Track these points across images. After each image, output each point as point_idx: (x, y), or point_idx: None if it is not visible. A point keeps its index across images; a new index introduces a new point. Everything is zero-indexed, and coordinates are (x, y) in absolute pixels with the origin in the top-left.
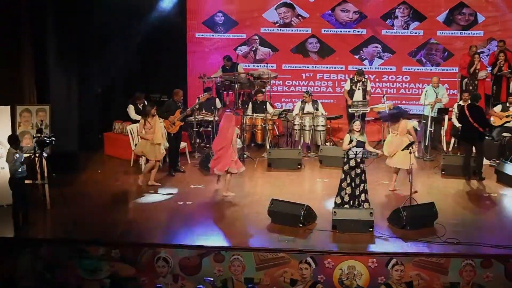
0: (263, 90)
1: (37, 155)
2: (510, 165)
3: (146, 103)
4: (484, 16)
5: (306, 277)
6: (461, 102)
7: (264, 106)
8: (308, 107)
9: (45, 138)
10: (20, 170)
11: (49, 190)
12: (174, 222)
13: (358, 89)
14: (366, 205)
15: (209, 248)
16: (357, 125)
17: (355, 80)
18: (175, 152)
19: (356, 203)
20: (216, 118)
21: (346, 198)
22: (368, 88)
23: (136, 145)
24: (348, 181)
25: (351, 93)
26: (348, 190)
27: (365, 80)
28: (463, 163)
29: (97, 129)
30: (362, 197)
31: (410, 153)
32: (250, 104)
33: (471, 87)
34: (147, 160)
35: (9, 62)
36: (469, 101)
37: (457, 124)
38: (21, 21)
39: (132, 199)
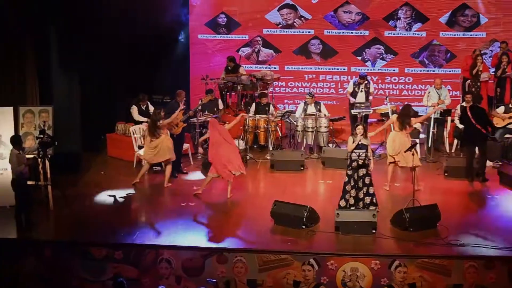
0: (267, 92)
1: (40, 156)
2: None
3: (149, 104)
4: (486, 17)
5: (309, 279)
6: (463, 104)
7: (267, 108)
8: (311, 109)
9: (48, 140)
10: (23, 171)
11: (52, 191)
12: (177, 223)
13: (361, 91)
14: (371, 208)
15: (212, 250)
16: (359, 129)
17: (358, 82)
18: (178, 153)
19: (361, 205)
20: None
21: (351, 201)
22: (371, 90)
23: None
24: (352, 183)
25: (353, 95)
26: (353, 192)
27: (368, 82)
28: (466, 164)
29: (100, 130)
30: (367, 200)
31: (413, 154)
32: (254, 105)
33: (473, 89)
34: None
35: (12, 63)
36: (471, 103)
37: (460, 126)
38: (24, 22)
39: (135, 201)
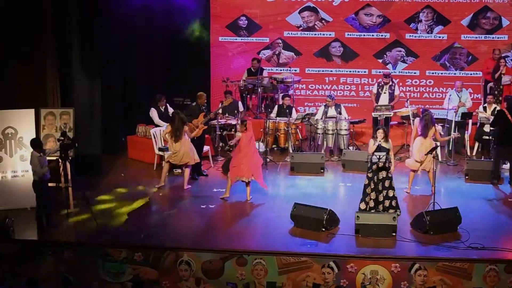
0: (289, 93)
1: (61, 158)
2: None
3: (168, 106)
4: (508, 20)
5: (329, 282)
6: (485, 105)
7: (288, 111)
8: (331, 111)
9: (69, 142)
10: (46, 173)
11: (73, 193)
12: (197, 225)
13: (385, 92)
14: (391, 211)
15: (232, 252)
16: (380, 133)
17: (382, 83)
18: (198, 155)
19: (381, 208)
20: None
21: (371, 204)
22: (396, 93)
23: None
24: (372, 186)
25: (377, 96)
26: (373, 195)
27: (393, 84)
28: (493, 167)
29: (121, 132)
30: (386, 203)
31: (434, 157)
32: (276, 107)
33: (496, 92)
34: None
35: (34, 65)
36: (506, 105)
37: (487, 129)
38: (45, 25)
39: (155, 203)
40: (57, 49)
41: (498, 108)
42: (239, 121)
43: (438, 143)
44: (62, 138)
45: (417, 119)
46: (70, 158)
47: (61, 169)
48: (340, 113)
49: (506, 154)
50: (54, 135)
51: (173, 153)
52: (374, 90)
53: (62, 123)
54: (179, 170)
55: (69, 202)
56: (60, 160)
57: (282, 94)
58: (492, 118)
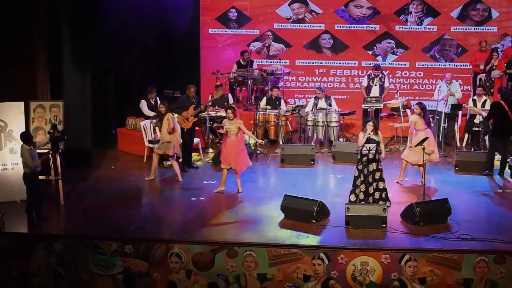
0: (278, 85)
1: (51, 151)
2: None
3: (158, 98)
4: (498, 11)
5: (319, 273)
6: (475, 98)
7: (277, 102)
8: (321, 103)
9: (58, 134)
10: (38, 166)
11: (63, 186)
12: (187, 217)
13: (375, 84)
14: (381, 203)
15: (222, 244)
16: (370, 125)
17: (372, 75)
18: (189, 147)
19: (371, 200)
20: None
21: (361, 196)
22: (386, 84)
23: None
24: (362, 178)
25: (368, 89)
26: (363, 187)
27: (383, 76)
28: (487, 158)
29: (111, 125)
30: (377, 195)
31: (424, 149)
32: (265, 98)
33: (488, 84)
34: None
35: (24, 58)
36: (500, 97)
37: (476, 121)
38: (36, 17)
39: (146, 195)
40: (47, 41)
41: (488, 100)
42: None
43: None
44: (52, 131)
45: (414, 116)
46: (60, 151)
47: (51, 162)
48: (330, 105)
49: (500, 146)
50: (44, 128)
51: (162, 143)
52: (365, 83)
53: (52, 115)
54: (169, 163)
55: (59, 195)
56: (50, 153)
57: (271, 86)
58: (482, 110)
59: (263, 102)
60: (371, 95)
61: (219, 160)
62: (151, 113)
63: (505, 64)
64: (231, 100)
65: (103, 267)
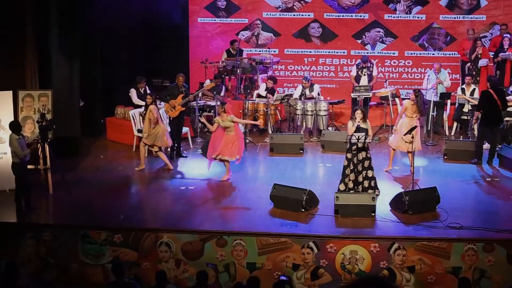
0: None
1: (40, 140)
2: None
3: (147, 88)
4: (486, 0)
5: (308, 262)
6: (464, 86)
7: (273, 92)
8: (308, 93)
9: (47, 124)
10: (28, 155)
11: (52, 175)
12: (177, 207)
13: (364, 74)
14: (370, 191)
15: (212, 233)
16: (358, 113)
17: (361, 65)
18: (178, 137)
19: (360, 189)
20: (218, 103)
21: (350, 185)
22: (374, 73)
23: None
24: (351, 167)
25: (357, 78)
26: (352, 176)
27: (371, 65)
28: (476, 147)
29: (100, 114)
30: (366, 183)
31: (412, 137)
32: (264, 85)
33: (474, 72)
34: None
35: (12, 47)
36: (489, 85)
37: (465, 110)
38: (24, 7)
39: (135, 184)
40: (36, 31)
41: (477, 89)
42: (218, 103)
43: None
44: (41, 120)
45: (408, 101)
46: (49, 140)
47: (40, 151)
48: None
49: (488, 135)
50: (32, 117)
51: (150, 134)
52: (353, 72)
53: (40, 105)
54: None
55: (48, 184)
56: (39, 142)
57: (268, 76)
58: (471, 99)
59: (261, 90)
60: (360, 84)
61: (206, 151)
62: (141, 102)
63: (492, 53)
64: (223, 92)
65: (92, 256)
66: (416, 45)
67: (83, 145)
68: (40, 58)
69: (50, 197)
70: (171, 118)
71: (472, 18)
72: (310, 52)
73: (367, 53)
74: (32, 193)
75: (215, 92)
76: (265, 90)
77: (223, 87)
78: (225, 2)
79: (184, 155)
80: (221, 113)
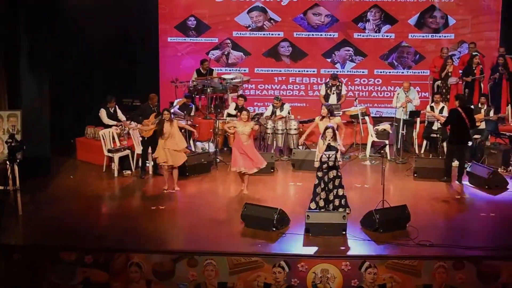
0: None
1: (9, 160)
2: (481, 167)
3: (117, 107)
4: (454, 19)
5: (280, 281)
6: (433, 104)
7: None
8: (279, 112)
9: (16, 144)
10: None
11: (21, 196)
12: (147, 227)
13: (333, 93)
14: (341, 210)
15: (182, 253)
16: (329, 132)
17: (330, 84)
18: (147, 155)
19: (331, 208)
20: (189, 122)
21: (321, 203)
22: (343, 92)
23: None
24: (322, 186)
25: (326, 97)
26: (323, 195)
27: (340, 84)
28: (445, 165)
29: (70, 134)
30: (336, 202)
31: (383, 156)
32: (233, 104)
33: (444, 90)
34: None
35: None
36: (458, 104)
37: (435, 128)
38: None
39: (105, 205)
40: (4, 49)
41: (446, 107)
42: (188, 121)
43: (387, 141)
44: (10, 141)
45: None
46: (18, 160)
47: (9, 172)
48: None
49: (457, 152)
50: (1, 137)
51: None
52: (322, 92)
53: (9, 125)
54: (129, 172)
55: (18, 205)
56: (8, 163)
57: (238, 95)
58: (441, 116)
59: (231, 109)
60: (329, 103)
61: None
62: (111, 122)
63: (461, 72)
64: (193, 112)
65: (62, 277)
66: (385, 64)
67: (53, 165)
68: (9, 77)
69: (20, 218)
70: (145, 138)
71: (440, 36)
72: (280, 71)
73: (337, 71)
74: (2, 214)
75: (185, 112)
76: (235, 109)
77: (193, 107)
78: (195, 22)
79: (160, 174)
80: (245, 118)
